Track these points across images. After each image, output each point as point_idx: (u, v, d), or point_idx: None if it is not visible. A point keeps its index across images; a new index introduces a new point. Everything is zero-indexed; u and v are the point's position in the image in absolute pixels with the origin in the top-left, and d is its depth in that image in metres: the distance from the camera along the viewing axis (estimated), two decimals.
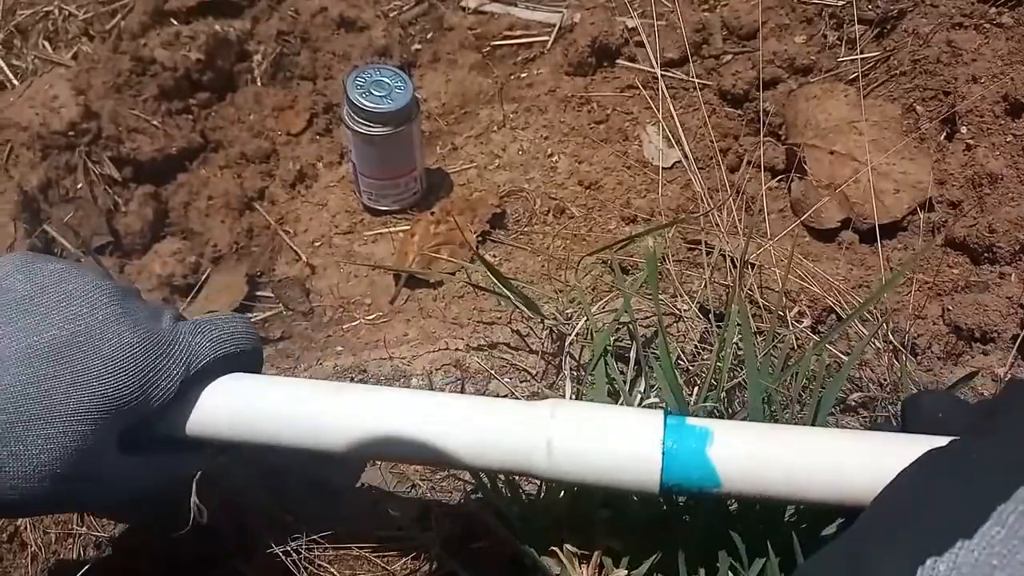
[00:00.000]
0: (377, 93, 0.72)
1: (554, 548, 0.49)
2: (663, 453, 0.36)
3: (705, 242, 0.69)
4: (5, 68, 0.88)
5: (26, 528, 0.58)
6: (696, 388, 0.54)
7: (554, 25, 0.95)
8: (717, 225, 0.71)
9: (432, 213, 0.79)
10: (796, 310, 0.62)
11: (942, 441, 0.33)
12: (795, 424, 0.50)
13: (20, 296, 0.37)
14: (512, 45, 0.96)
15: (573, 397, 0.56)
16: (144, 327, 0.39)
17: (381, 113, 0.72)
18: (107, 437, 0.38)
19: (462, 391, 0.56)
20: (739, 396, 0.56)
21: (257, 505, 0.57)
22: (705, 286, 0.63)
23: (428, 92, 0.92)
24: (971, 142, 0.73)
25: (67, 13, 0.93)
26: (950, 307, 0.64)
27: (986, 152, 0.71)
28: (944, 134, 0.76)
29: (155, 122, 0.86)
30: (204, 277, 0.79)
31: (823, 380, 0.51)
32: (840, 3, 0.85)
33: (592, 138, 0.86)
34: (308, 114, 0.91)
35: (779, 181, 0.81)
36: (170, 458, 0.43)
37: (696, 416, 0.38)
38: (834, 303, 0.63)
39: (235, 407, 0.41)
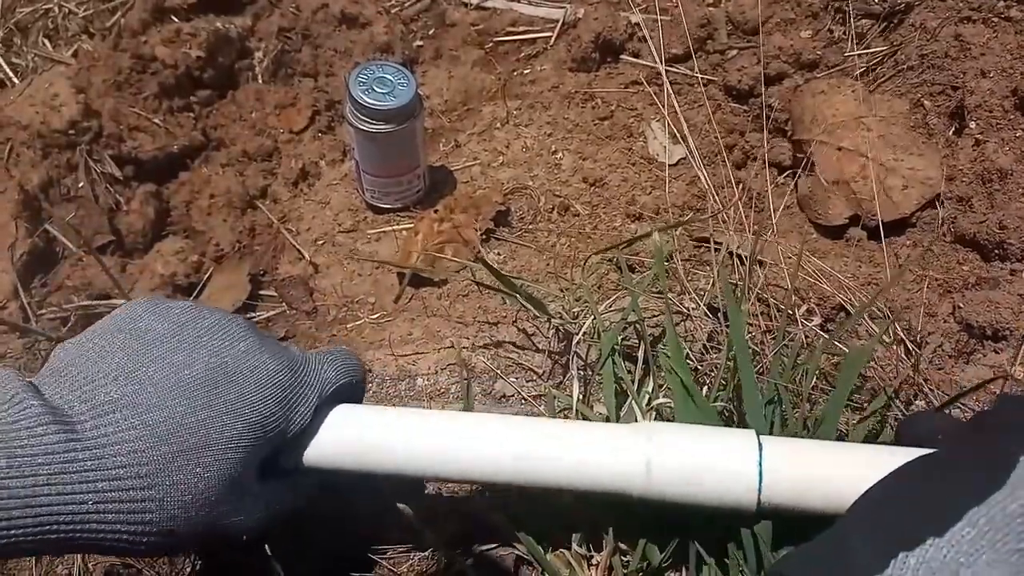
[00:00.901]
0: (380, 90, 0.72)
1: (562, 550, 0.49)
2: (759, 471, 0.37)
3: (713, 239, 0.68)
4: (5, 66, 0.88)
5: None
6: (705, 387, 0.54)
7: (557, 21, 0.94)
8: (724, 222, 0.71)
9: (435, 211, 0.78)
10: (805, 308, 0.61)
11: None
12: (806, 421, 0.50)
13: (161, 335, 0.39)
14: (515, 41, 0.96)
15: (580, 397, 0.56)
16: (282, 355, 0.41)
17: (384, 110, 0.71)
18: (254, 464, 0.39)
19: (468, 391, 0.56)
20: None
21: None
22: (713, 284, 0.62)
23: (431, 89, 0.92)
24: (980, 137, 0.72)
25: (67, 11, 0.93)
26: (961, 304, 0.64)
27: (995, 147, 0.70)
28: (953, 129, 0.75)
29: (156, 120, 0.85)
30: (206, 276, 0.78)
31: (833, 378, 0.51)
32: None
33: (596, 135, 0.85)
34: (310, 111, 0.90)
35: (786, 177, 0.81)
36: (295, 485, 0.44)
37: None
38: (844, 300, 0.63)
39: (365, 437, 0.42)
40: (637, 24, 0.90)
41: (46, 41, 0.91)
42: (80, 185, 0.81)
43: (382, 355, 0.66)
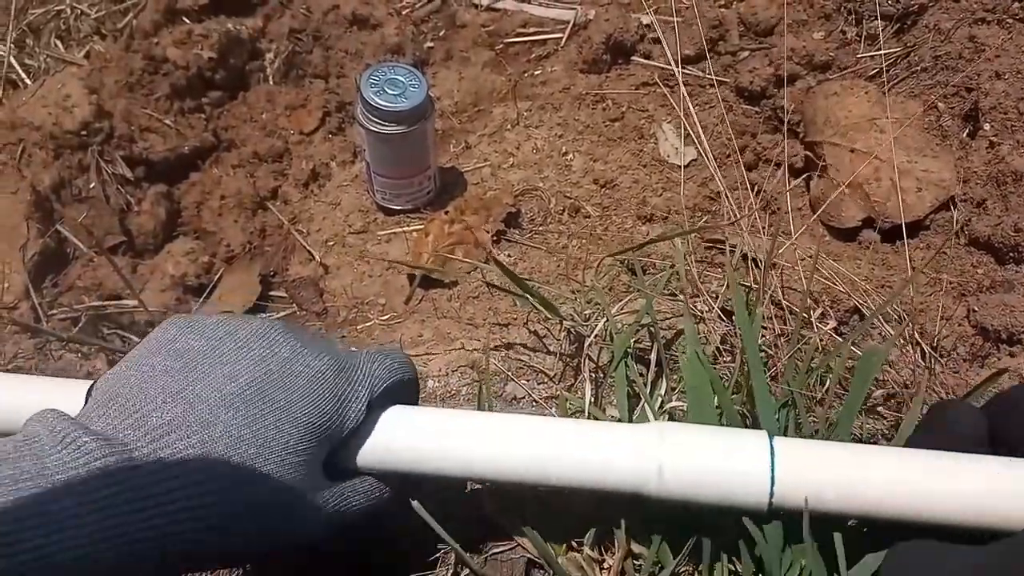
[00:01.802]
0: (391, 92, 0.72)
1: (574, 553, 0.49)
2: (771, 473, 0.37)
3: (728, 243, 0.68)
4: (18, 67, 0.88)
5: None
6: (718, 392, 0.53)
7: (568, 22, 0.94)
8: (735, 224, 0.70)
9: (446, 212, 0.78)
10: (819, 311, 0.61)
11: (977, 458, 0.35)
12: (820, 425, 0.50)
13: (201, 351, 0.38)
14: (526, 42, 0.96)
15: (592, 400, 0.55)
16: (327, 354, 0.40)
17: (396, 112, 0.71)
18: (316, 467, 0.39)
19: (480, 394, 0.55)
20: None
21: None
22: (727, 287, 0.61)
23: (441, 90, 0.92)
24: (994, 139, 0.71)
25: (79, 12, 0.93)
26: (975, 308, 0.63)
27: (1010, 149, 0.70)
28: (967, 131, 0.75)
29: (167, 121, 0.86)
30: (217, 277, 0.78)
31: (847, 380, 0.50)
32: None
33: (607, 136, 0.85)
34: (321, 113, 0.90)
35: (798, 180, 0.80)
36: (354, 490, 0.43)
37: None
38: (859, 303, 0.62)
39: (415, 439, 0.42)
40: (648, 25, 0.90)
41: (58, 42, 0.91)
42: (92, 186, 0.81)
43: None
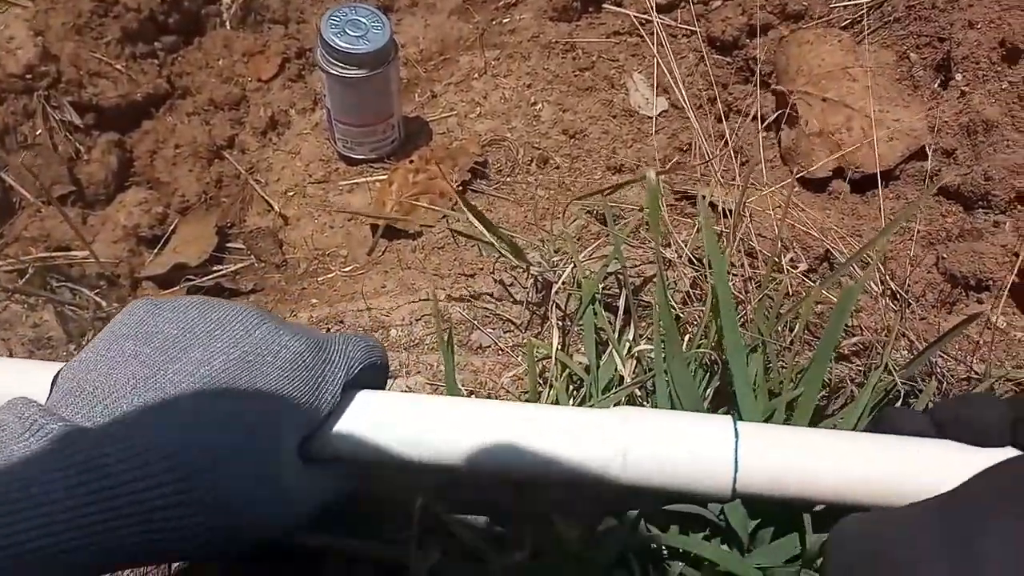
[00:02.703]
0: (353, 33, 0.69)
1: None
2: (735, 459, 0.37)
3: (699, 194, 0.67)
4: None
5: None
6: (688, 337, 0.52)
7: None
8: (709, 175, 0.69)
9: (411, 162, 0.76)
10: (790, 256, 0.60)
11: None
12: (795, 371, 0.49)
13: (173, 336, 0.36)
14: None
15: (559, 347, 0.54)
16: (304, 334, 0.39)
17: (357, 54, 0.68)
18: (294, 448, 0.37)
19: (447, 342, 0.54)
20: None
21: None
22: (698, 231, 0.60)
23: (406, 37, 0.89)
24: (966, 89, 0.71)
25: None
26: (944, 255, 0.63)
27: (981, 99, 0.69)
28: (939, 81, 0.74)
29: (118, 66, 0.82)
30: (171, 228, 0.76)
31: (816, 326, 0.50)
32: None
33: (577, 86, 0.83)
34: (280, 59, 0.87)
35: (768, 130, 0.79)
36: (330, 475, 0.41)
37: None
38: (831, 247, 0.61)
39: (383, 425, 0.40)
40: None
41: None
42: (38, 133, 0.77)
43: (354, 307, 0.64)
